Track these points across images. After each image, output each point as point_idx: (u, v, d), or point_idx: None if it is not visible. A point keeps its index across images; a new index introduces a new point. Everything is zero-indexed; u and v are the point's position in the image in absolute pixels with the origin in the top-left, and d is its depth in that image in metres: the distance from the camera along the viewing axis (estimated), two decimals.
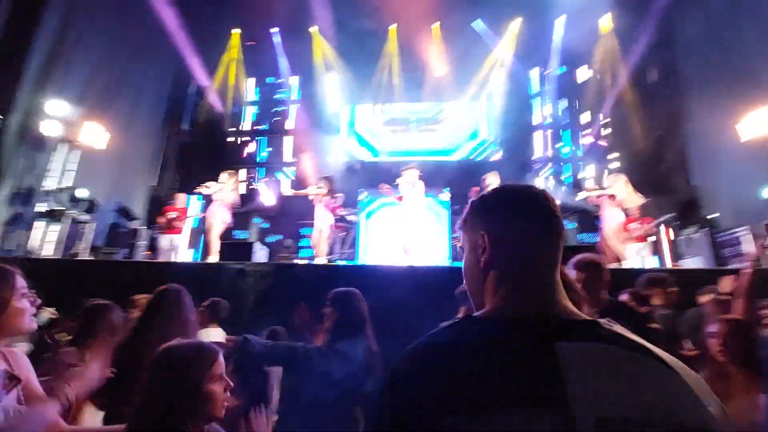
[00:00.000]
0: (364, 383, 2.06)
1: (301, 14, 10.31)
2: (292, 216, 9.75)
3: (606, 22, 9.89)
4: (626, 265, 5.79)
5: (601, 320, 0.61)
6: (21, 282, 1.28)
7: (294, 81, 11.67)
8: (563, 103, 10.89)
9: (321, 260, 6.50)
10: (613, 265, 5.86)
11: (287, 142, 11.75)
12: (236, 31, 11.31)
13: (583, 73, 10.71)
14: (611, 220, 6.08)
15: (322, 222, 6.64)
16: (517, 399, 0.50)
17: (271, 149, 11.82)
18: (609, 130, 10.42)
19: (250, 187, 11.25)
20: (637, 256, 6.30)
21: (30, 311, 1.27)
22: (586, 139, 10.50)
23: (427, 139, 11.21)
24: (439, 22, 10.65)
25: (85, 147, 6.86)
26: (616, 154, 10.05)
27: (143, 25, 8.80)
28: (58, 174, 6.56)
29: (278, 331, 3.11)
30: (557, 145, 10.79)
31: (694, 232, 7.05)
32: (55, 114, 6.38)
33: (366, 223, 8.46)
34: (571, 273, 2.14)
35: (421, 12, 10.09)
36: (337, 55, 11.02)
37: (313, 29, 10.99)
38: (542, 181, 10.34)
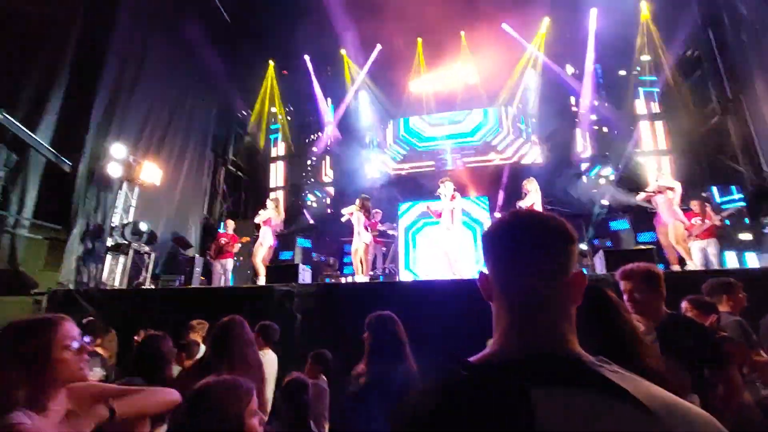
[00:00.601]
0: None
1: (329, 39, 10.71)
2: (333, 234, 10.00)
3: (643, 9, 9.42)
4: (691, 266, 5.34)
5: (591, 359, 0.60)
6: (65, 331, 1.23)
7: (325, 103, 12.02)
8: (613, 97, 10.38)
9: (362, 278, 6.57)
10: (676, 268, 5.44)
11: (324, 163, 12.13)
12: (271, 63, 11.95)
13: (624, 65, 10.22)
14: (669, 219, 5.64)
15: (361, 239, 6.73)
16: None
17: (309, 171, 12.24)
18: (660, 122, 9.81)
19: (293, 208, 11.67)
20: (700, 254, 5.79)
21: (75, 361, 1.22)
22: (635, 133, 9.92)
23: (464, 150, 11.11)
24: (463, 32, 10.63)
25: (143, 184, 7.47)
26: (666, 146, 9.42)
27: (188, 67, 9.55)
28: (121, 210, 7.18)
29: (324, 356, 3.17)
30: (604, 142, 10.27)
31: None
32: (117, 156, 7.03)
33: (407, 238, 8.47)
34: (620, 284, 1.99)
35: (445, 22, 10.15)
36: (368, 73, 11.30)
37: (343, 51, 11.38)
38: (591, 180, 9.84)
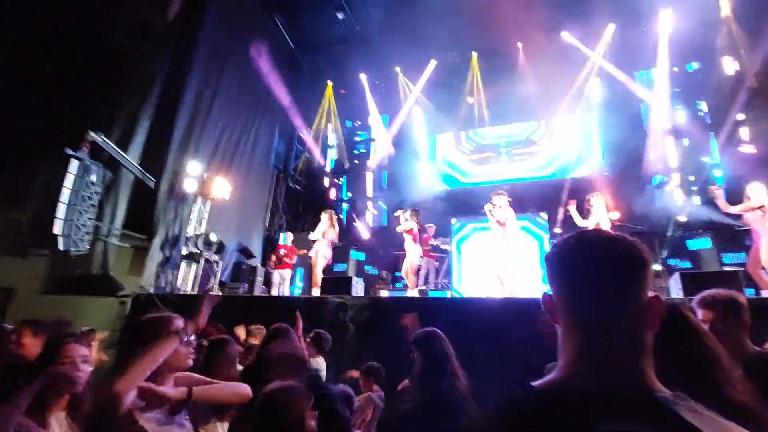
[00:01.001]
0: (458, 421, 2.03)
1: (385, 56, 11.04)
2: (387, 247, 10.11)
3: (724, 5, 8.60)
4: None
5: (666, 395, 0.56)
6: (173, 326, 1.49)
7: (380, 119, 12.28)
8: (683, 106, 9.54)
9: (413, 292, 6.56)
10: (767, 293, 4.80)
11: (379, 178, 12.38)
12: (329, 83, 12.55)
13: (702, 69, 9.38)
14: (760, 237, 5.00)
15: (412, 254, 6.75)
16: None
17: (364, 185, 12.55)
18: (746, 129, 8.79)
19: (348, 222, 12.01)
20: None
21: (182, 351, 1.48)
22: (719, 143, 8.98)
23: (521, 165, 10.77)
24: (521, 44, 10.42)
25: (214, 198, 8.14)
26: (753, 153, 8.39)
27: (255, 92, 10.34)
28: (195, 222, 7.86)
29: (375, 367, 3.21)
30: (682, 154, 9.39)
31: None
32: (192, 173, 7.75)
33: (460, 251, 8.33)
34: (698, 313, 1.79)
35: (503, 34, 10.03)
36: (423, 89, 11.44)
37: (398, 68, 11.66)
38: (668, 194, 9.01)
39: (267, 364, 2.12)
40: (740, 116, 8.58)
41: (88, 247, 6.20)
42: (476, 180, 11.08)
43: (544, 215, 8.11)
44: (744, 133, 8.67)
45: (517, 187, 9.78)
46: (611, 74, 9.68)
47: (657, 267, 6.86)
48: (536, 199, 9.38)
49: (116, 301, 6.69)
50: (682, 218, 8.20)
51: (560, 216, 8.89)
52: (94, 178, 6.20)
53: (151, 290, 6.75)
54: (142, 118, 7.36)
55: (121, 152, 6.81)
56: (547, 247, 7.67)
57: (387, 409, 3.15)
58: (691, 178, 8.99)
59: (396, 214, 7.21)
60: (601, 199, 6.03)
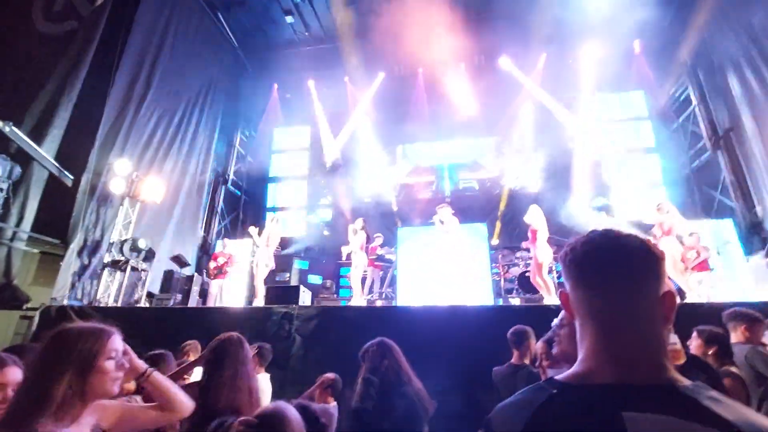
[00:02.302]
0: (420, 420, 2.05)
1: (333, 64, 11.03)
2: (330, 256, 9.98)
3: (636, 47, 9.87)
4: (690, 298, 5.40)
5: (686, 384, 0.59)
6: (114, 344, 1.23)
7: (327, 127, 12.15)
8: (605, 129, 10.70)
9: (359, 301, 6.53)
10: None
11: (324, 186, 12.22)
12: (275, 85, 12.22)
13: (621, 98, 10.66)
14: (667, 250, 5.72)
15: (358, 263, 6.74)
16: None
17: (308, 193, 12.30)
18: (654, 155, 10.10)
19: (290, 229, 11.65)
20: (699, 288, 5.85)
21: (113, 375, 1.21)
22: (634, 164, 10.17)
23: (467, 192, 11.16)
24: (463, 63, 10.99)
25: (144, 201, 7.47)
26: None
27: (194, 88, 9.75)
28: (120, 226, 7.15)
29: (333, 380, 3.13)
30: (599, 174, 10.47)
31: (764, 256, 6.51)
32: (119, 172, 7.05)
33: (404, 261, 8.45)
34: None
35: (445, 54, 10.51)
36: (371, 99, 11.57)
37: (346, 78, 11.70)
38: (586, 210, 9.95)
39: (212, 377, 1.91)
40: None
41: None
42: (426, 178, 11.34)
43: (484, 226, 8.52)
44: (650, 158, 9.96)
45: (459, 200, 10.22)
46: (544, 97, 10.57)
47: None
48: (476, 210, 9.90)
49: (17, 315, 5.83)
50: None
51: (497, 229, 9.43)
52: None
53: (65, 302, 5.98)
54: (60, 107, 6.56)
55: (33, 144, 6.01)
56: (487, 257, 8.06)
57: (340, 422, 3.08)
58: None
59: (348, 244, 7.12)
60: (539, 211, 6.44)
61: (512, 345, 3.13)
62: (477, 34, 9.74)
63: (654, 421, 0.54)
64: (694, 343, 2.58)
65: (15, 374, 1.48)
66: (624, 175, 10.15)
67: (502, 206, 10.14)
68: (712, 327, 2.65)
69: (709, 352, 2.51)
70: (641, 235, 0.72)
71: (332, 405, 3.00)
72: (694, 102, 9.15)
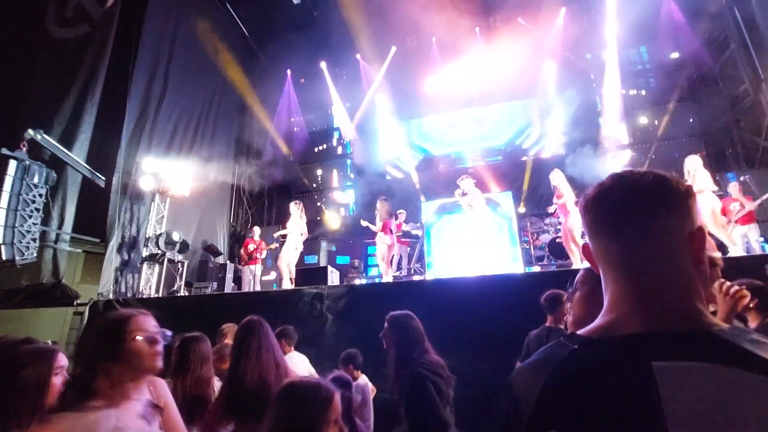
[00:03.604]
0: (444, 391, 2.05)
1: (345, 44, 10.81)
2: (357, 236, 10.07)
3: None
4: (733, 252, 5.11)
5: (723, 328, 0.53)
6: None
7: (343, 108, 12.08)
8: (637, 84, 10.17)
9: (387, 278, 6.58)
10: (717, 254, 5.21)
11: (345, 167, 12.23)
12: (288, 72, 12.16)
13: (646, 52, 9.97)
14: (704, 206, 5.39)
15: (383, 241, 6.76)
16: (616, 425, 0.48)
17: (330, 175, 12.37)
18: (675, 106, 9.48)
19: (317, 212, 11.81)
20: (741, 240, 5.53)
21: (148, 351, 1.31)
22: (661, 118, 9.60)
23: (478, 129, 10.99)
24: (478, 27, 10.55)
25: (174, 195, 7.72)
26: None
27: (210, 81, 9.85)
28: (154, 222, 7.44)
29: (353, 354, 3.19)
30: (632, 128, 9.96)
31: None
32: (147, 170, 7.29)
33: (430, 235, 8.42)
34: None
35: (459, 20, 10.11)
36: (385, 76, 11.34)
37: (358, 55, 11.48)
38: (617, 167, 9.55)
39: (237, 360, 2.00)
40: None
41: (36, 255, 5.70)
42: (447, 150, 11.20)
43: (508, 195, 8.33)
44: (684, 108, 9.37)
45: (481, 168, 10.01)
46: (566, 56, 10.02)
47: None
48: (500, 178, 9.68)
49: (70, 311, 6.24)
50: None
51: (523, 195, 9.20)
52: (36, 179, 5.68)
53: (111, 296, 6.34)
54: (86, 112, 6.80)
55: (65, 150, 6.27)
56: (513, 226, 7.91)
57: (379, 390, 3.16)
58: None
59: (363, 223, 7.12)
60: (562, 175, 6.23)
61: (546, 310, 3.10)
62: None
63: (687, 369, 0.48)
64: None
65: (64, 359, 1.58)
66: (658, 128, 9.61)
67: (527, 174, 9.84)
68: (751, 279, 2.50)
69: (751, 305, 2.38)
70: (666, 173, 0.64)
71: (361, 380, 3.06)
72: (732, 45, 8.44)
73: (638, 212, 0.61)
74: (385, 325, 2.29)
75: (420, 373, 2.00)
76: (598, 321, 0.62)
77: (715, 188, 5.30)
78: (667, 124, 9.46)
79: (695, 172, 5.44)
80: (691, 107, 9.40)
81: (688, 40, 9.14)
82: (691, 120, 9.36)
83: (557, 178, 6.11)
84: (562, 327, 2.97)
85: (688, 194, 0.62)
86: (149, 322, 1.33)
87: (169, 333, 1.40)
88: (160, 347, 1.31)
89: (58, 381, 1.35)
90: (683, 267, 0.59)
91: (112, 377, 1.22)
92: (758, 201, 5.76)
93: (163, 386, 1.41)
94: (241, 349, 2.03)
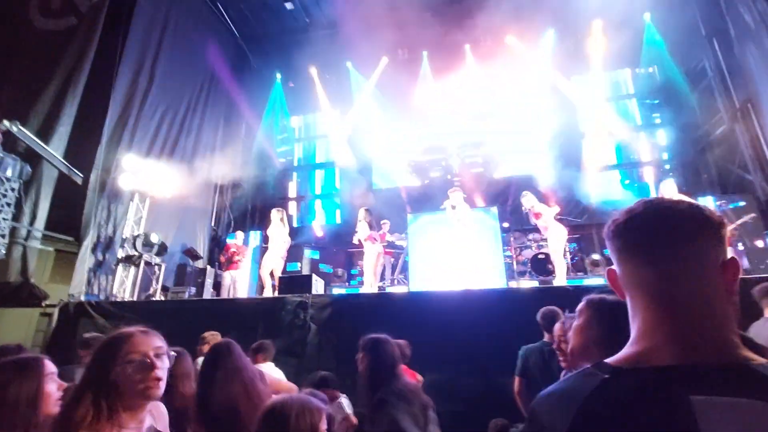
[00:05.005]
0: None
1: (336, 51, 10.84)
2: (341, 245, 9.99)
3: (647, 19, 9.56)
4: None
5: (761, 362, 0.52)
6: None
7: (332, 114, 12.03)
8: (618, 106, 10.52)
9: (370, 288, 6.53)
10: None
11: (332, 174, 12.17)
12: (278, 74, 12.10)
13: (631, 74, 10.39)
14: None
15: (367, 251, 6.73)
16: None
17: (316, 182, 12.28)
18: (662, 130, 9.91)
19: (300, 219, 11.69)
20: None
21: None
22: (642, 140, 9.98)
23: (473, 169, 11.01)
24: (468, 45, 10.76)
25: (154, 196, 7.50)
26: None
27: (197, 80, 9.69)
28: (132, 222, 7.20)
29: (327, 378, 3.13)
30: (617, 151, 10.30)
31: None
32: (128, 168, 7.07)
33: (415, 246, 8.41)
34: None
35: (451, 36, 10.30)
36: (375, 85, 11.41)
37: (349, 63, 11.52)
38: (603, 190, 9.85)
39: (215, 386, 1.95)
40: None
41: (4, 252, 5.42)
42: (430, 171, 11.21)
43: (494, 209, 8.42)
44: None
45: (468, 183, 10.11)
46: (552, 76, 10.31)
47: (596, 257, 7.44)
48: (485, 192, 9.81)
49: (36, 312, 5.94)
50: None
51: (508, 210, 9.33)
52: (9, 172, 5.42)
53: (82, 298, 6.07)
54: (66, 105, 6.56)
55: (42, 143, 6.02)
56: (498, 240, 7.99)
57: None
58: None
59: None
60: (532, 198, 6.40)
61: (543, 329, 3.10)
62: (482, 13, 9.48)
63: (728, 405, 0.47)
64: None
65: (52, 366, 1.48)
66: (633, 153, 9.99)
67: (510, 190, 10.00)
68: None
69: None
70: (694, 201, 0.65)
71: (338, 401, 2.98)
72: (710, 74, 8.85)
73: (674, 239, 0.60)
74: (359, 348, 2.27)
75: (385, 400, 1.99)
76: (628, 349, 0.60)
77: None
78: (645, 147, 9.83)
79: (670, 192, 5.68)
80: (669, 131, 9.80)
81: (667, 66, 9.56)
82: (666, 144, 9.76)
83: (530, 200, 6.30)
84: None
85: (722, 224, 0.61)
86: (149, 342, 1.20)
87: (173, 353, 1.29)
88: (158, 372, 1.17)
89: (52, 388, 1.29)
90: (718, 297, 0.58)
91: (100, 406, 1.09)
92: (737, 223, 5.98)
93: (164, 411, 1.32)
94: (205, 379, 1.98)
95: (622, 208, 0.67)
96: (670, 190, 5.80)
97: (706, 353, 0.54)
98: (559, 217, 6.81)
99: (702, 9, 8.52)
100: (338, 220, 11.41)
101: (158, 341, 1.23)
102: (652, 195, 8.74)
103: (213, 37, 10.29)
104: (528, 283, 7.49)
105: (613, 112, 10.27)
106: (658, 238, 0.61)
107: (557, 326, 1.92)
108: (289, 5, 10.34)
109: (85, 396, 1.10)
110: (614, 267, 0.67)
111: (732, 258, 0.60)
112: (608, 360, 0.60)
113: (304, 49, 10.95)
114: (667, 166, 9.56)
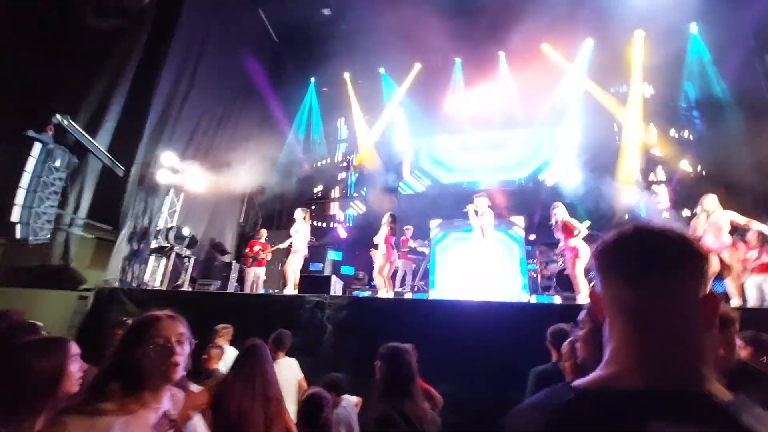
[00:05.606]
0: None
1: (369, 58, 10.98)
2: (364, 247, 10.04)
3: (693, 31, 9.14)
4: (735, 303, 4.96)
5: (728, 398, 0.52)
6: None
7: (363, 120, 12.19)
8: (657, 119, 10.05)
9: (385, 294, 6.52)
10: (732, 308, 5.07)
11: (359, 178, 12.30)
12: (312, 79, 12.38)
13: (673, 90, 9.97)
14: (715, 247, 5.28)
15: (381, 253, 6.75)
16: None
17: (343, 185, 12.44)
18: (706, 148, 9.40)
19: (325, 221, 11.86)
20: (756, 290, 5.36)
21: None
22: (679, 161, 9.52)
23: (497, 158, 10.94)
24: (503, 52, 10.64)
25: (188, 191, 7.83)
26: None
27: (235, 83, 10.07)
28: (166, 215, 7.54)
29: (336, 380, 3.13)
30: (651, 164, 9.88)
31: None
32: (166, 164, 7.43)
33: (435, 254, 8.35)
34: None
35: (485, 42, 10.22)
36: (407, 92, 11.47)
37: (382, 70, 11.65)
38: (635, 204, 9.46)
39: (243, 379, 2.06)
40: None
41: (49, 237, 5.81)
42: (458, 178, 11.15)
43: (520, 220, 8.25)
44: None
45: (493, 191, 9.95)
46: (590, 87, 10.03)
47: None
48: (514, 203, 9.61)
49: (75, 295, 6.30)
50: None
51: (536, 220, 9.10)
52: (58, 163, 5.82)
53: (116, 284, 6.40)
54: (113, 102, 6.98)
55: (89, 137, 6.43)
56: (522, 253, 7.81)
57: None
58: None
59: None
60: (563, 209, 6.15)
61: (551, 347, 3.00)
62: (518, 21, 9.37)
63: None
64: (743, 353, 2.34)
65: (76, 348, 1.57)
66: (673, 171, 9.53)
67: (540, 202, 9.76)
68: (758, 332, 2.41)
69: (764, 359, 2.29)
70: (683, 228, 0.64)
71: (341, 405, 2.96)
72: (758, 90, 8.33)
73: (659, 266, 0.60)
74: (378, 355, 2.26)
75: (388, 417, 1.97)
76: (599, 371, 0.61)
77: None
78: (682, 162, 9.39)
79: (713, 211, 5.38)
80: (710, 148, 9.30)
81: (712, 81, 9.09)
82: (705, 161, 9.27)
83: (563, 214, 6.03)
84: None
85: (706, 258, 0.61)
86: (173, 328, 1.27)
87: (194, 341, 1.35)
88: (178, 357, 1.24)
89: (75, 368, 1.37)
90: (694, 328, 0.58)
91: (126, 382, 1.18)
92: None
93: (182, 400, 1.37)
94: (233, 374, 2.13)
95: (616, 231, 0.67)
96: (712, 205, 5.50)
97: (672, 382, 0.55)
98: (588, 232, 6.59)
99: (752, 22, 8.06)
100: (363, 223, 11.50)
101: (181, 327, 1.30)
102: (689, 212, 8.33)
103: (252, 42, 10.67)
104: (551, 299, 7.27)
105: (651, 126, 9.87)
106: (643, 263, 0.61)
107: (564, 345, 1.86)
108: (326, 11, 10.58)
109: (114, 372, 1.18)
110: (597, 289, 0.67)
111: (713, 294, 0.60)
112: (577, 381, 0.61)
113: (339, 54, 11.15)
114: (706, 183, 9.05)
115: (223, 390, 2.01)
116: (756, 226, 5.32)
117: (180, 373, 1.25)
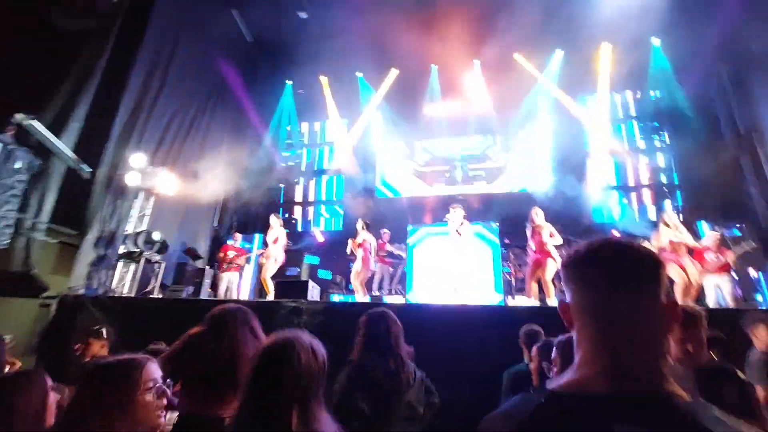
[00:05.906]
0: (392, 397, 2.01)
1: (346, 61, 10.98)
2: (341, 253, 9.99)
3: (656, 43, 9.64)
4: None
5: (687, 401, 0.56)
6: (148, 374, 1.17)
7: (340, 123, 12.17)
8: (622, 128, 10.63)
9: (362, 297, 6.54)
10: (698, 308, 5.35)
11: (336, 182, 12.26)
12: (288, 82, 12.27)
13: (637, 96, 10.47)
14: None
15: (361, 261, 6.79)
16: None
17: (320, 189, 12.36)
18: (664, 153, 9.95)
19: (302, 225, 11.74)
20: (714, 290, 5.69)
21: (155, 405, 1.15)
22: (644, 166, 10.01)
23: (476, 182, 11.11)
24: (479, 60, 10.88)
25: (158, 194, 7.59)
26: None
27: (208, 84, 9.88)
28: (135, 219, 7.28)
29: None
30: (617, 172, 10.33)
31: None
32: (135, 166, 7.18)
33: (412, 257, 8.42)
34: None
35: (461, 50, 10.41)
36: (383, 96, 11.53)
37: (359, 73, 11.67)
38: (605, 209, 9.86)
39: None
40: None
41: (8, 242, 5.51)
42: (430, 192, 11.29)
43: (496, 225, 8.43)
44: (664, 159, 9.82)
45: (470, 199, 10.15)
46: (559, 95, 10.40)
47: None
48: (490, 211, 9.81)
49: (36, 303, 5.99)
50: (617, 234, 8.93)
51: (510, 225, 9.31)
52: (18, 164, 5.54)
53: (81, 291, 6.13)
54: (79, 102, 6.70)
55: (53, 138, 6.15)
56: (497, 256, 7.99)
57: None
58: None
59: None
60: (541, 214, 6.33)
61: (524, 346, 3.10)
62: (493, 30, 9.63)
63: None
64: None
65: (49, 380, 1.49)
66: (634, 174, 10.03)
67: (511, 204, 10.01)
68: (715, 332, 2.58)
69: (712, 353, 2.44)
70: (644, 241, 0.70)
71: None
72: (715, 100, 8.88)
73: (627, 277, 0.65)
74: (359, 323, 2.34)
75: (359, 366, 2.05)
76: (568, 376, 0.65)
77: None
78: (645, 169, 9.87)
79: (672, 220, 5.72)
80: (671, 155, 9.83)
81: (673, 91, 9.59)
82: (667, 167, 9.79)
83: (541, 219, 6.20)
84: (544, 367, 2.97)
85: (664, 267, 0.67)
86: (157, 370, 1.20)
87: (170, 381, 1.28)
88: (165, 401, 1.18)
89: (53, 400, 1.34)
90: (657, 335, 0.63)
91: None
92: (740, 252, 5.92)
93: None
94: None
95: (582, 244, 0.72)
96: (668, 215, 5.86)
97: (637, 385, 0.58)
98: (565, 238, 6.78)
99: (710, 36, 8.57)
100: (340, 227, 11.47)
101: (159, 369, 1.23)
102: (652, 216, 8.78)
103: (226, 42, 10.49)
104: (525, 301, 7.46)
105: (617, 133, 10.33)
106: (613, 274, 0.66)
107: (534, 349, 1.92)
108: (303, 14, 10.52)
109: (94, 425, 1.07)
110: (566, 299, 0.72)
111: (675, 303, 0.65)
112: (551, 385, 0.65)
113: (316, 57, 11.11)
114: (667, 190, 9.57)
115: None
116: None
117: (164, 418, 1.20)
